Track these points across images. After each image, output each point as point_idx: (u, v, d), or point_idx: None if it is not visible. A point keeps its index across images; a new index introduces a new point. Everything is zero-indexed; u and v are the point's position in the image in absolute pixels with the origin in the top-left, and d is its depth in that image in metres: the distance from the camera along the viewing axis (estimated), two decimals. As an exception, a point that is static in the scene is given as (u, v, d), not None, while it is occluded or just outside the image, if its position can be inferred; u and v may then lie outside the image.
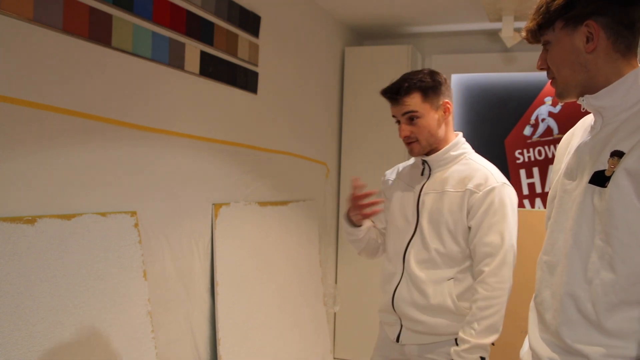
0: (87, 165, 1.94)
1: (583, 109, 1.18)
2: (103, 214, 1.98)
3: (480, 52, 4.34)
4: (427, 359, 1.81)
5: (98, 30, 1.95)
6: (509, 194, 1.75)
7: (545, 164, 4.05)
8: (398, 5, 3.83)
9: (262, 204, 3.03)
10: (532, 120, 4.10)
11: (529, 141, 4.11)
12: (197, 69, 2.50)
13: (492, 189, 1.71)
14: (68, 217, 1.84)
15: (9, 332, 1.61)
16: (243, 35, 2.86)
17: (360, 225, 1.94)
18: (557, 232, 1.16)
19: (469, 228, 1.73)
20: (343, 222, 1.98)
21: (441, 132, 1.82)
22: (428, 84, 1.79)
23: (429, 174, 1.84)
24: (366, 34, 4.56)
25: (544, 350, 1.14)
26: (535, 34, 1.21)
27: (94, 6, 1.93)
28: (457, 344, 1.74)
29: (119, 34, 2.04)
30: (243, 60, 2.86)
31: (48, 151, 1.79)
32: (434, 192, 1.79)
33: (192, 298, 2.48)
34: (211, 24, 2.59)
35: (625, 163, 1.02)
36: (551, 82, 1.22)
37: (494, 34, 4.18)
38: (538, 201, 4.07)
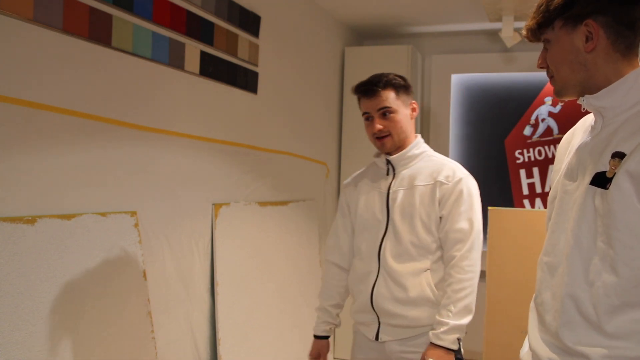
0: (87, 165, 1.94)
1: (583, 109, 1.18)
2: (103, 214, 1.98)
3: (480, 52, 4.34)
4: (408, 352, 1.84)
5: (98, 30, 1.95)
6: (474, 184, 1.87)
7: (545, 164, 4.05)
8: (398, 5, 3.83)
9: (262, 204, 3.03)
10: (532, 120, 4.10)
11: (529, 141, 4.11)
12: (197, 69, 2.50)
13: (460, 180, 1.82)
14: (68, 217, 1.84)
15: (9, 332, 1.61)
16: (243, 35, 2.86)
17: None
18: (558, 233, 1.15)
19: (440, 218, 1.82)
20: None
21: (409, 130, 1.90)
22: (400, 83, 1.88)
23: (394, 173, 1.90)
24: (366, 34, 4.56)
25: (543, 350, 1.14)
26: (535, 33, 1.20)
27: (94, 6, 1.93)
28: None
29: (119, 34, 2.04)
30: (243, 60, 2.86)
31: (48, 151, 1.79)
32: (403, 188, 1.86)
33: (192, 298, 2.48)
34: (211, 24, 2.59)
35: (627, 165, 1.02)
36: (550, 81, 1.22)
37: (494, 34, 4.18)
38: (538, 201, 4.07)
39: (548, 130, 4.05)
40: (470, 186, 1.83)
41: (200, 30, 2.51)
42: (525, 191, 4.11)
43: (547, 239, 1.20)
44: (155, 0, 2.21)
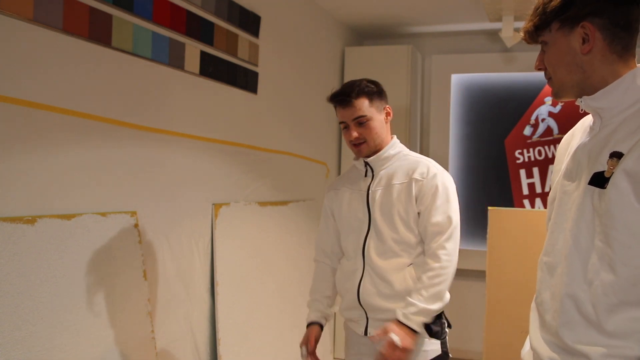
0: (87, 165, 1.94)
1: (582, 110, 1.18)
2: (103, 214, 1.98)
3: (480, 52, 4.34)
4: None
5: (98, 30, 1.95)
6: (449, 179, 1.91)
7: (545, 164, 4.06)
8: (398, 5, 3.84)
9: (262, 204, 3.03)
10: (532, 120, 4.10)
11: (529, 141, 4.11)
12: (197, 69, 2.50)
13: (435, 175, 1.87)
14: (68, 217, 1.84)
15: (9, 332, 1.61)
16: (243, 35, 2.86)
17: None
18: (557, 233, 1.16)
19: (419, 214, 1.88)
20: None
21: (384, 133, 1.97)
22: (372, 90, 1.93)
23: (372, 175, 1.97)
24: (366, 34, 4.56)
25: (544, 350, 1.14)
26: (533, 35, 1.21)
27: (94, 6, 1.93)
28: (424, 326, 1.84)
29: (119, 34, 2.04)
30: (243, 60, 2.86)
31: (48, 151, 1.79)
32: (381, 187, 1.93)
33: (192, 298, 2.48)
34: (211, 24, 2.59)
35: (624, 164, 1.02)
36: (548, 82, 1.23)
37: (494, 34, 4.18)
38: (538, 201, 4.07)
39: (548, 130, 4.06)
40: (445, 181, 1.88)
41: (200, 30, 2.52)
42: (525, 191, 4.11)
43: (547, 239, 1.21)
44: (155, 0, 2.21)
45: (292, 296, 3.20)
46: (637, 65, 1.12)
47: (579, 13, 1.10)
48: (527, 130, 4.11)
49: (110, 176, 2.04)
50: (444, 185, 1.87)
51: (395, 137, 2.01)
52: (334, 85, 4.09)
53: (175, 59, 2.35)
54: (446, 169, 1.97)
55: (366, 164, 1.97)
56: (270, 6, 3.12)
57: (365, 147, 1.92)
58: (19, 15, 1.66)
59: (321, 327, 2.07)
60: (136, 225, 2.12)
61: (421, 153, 2.06)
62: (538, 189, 4.08)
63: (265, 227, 3.04)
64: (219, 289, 2.60)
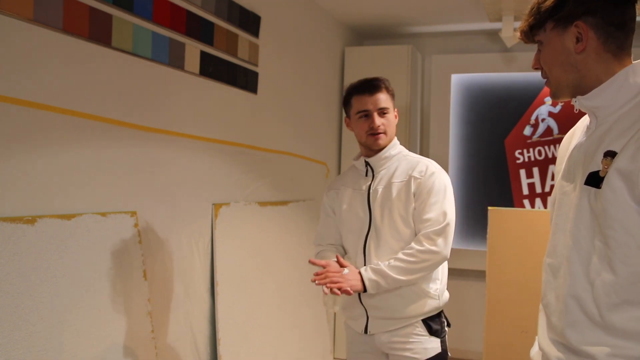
0: (87, 165, 1.94)
1: (576, 109, 1.18)
2: (103, 214, 1.98)
3: (480, 52, 4.34)
4: (397, 342, 1.91)
5: (98, 30, 1.95)
6: (447, 178, 1.95)
7: (545, 164, 4.05)
8: (398, 5, 3.83)
9: (262, 204, 3.03)
10: (532, 120, 4.10)
11: (529, 141, 4.11)
12: (197, 69, 2.50)
13: (433, 173, 1.91)
14: (68, 217, 1.84)
15: (9, 332, 1.61)
16: (243, 35, 2.86)
17: None
18: (558, 235, 1.16)
19: (414, 209, 1.90)
20: None
21: (395, 132, 2.02)
22: (392, 90, 2.01)
23: (373, 174, 1.99)
24: (366, 34, 4.56)
25: (551, 350, 1.15)
26: (528, 35, 1.22)
27: (94, 6, 1.93)
28: (424, 324, 1.89)
29: (119, 34, 2.04)
30: (243, 60, 2.86)
31: (48, 151, 1.79)
32: (381, 187, 1.95)
33: (192, 298, 2.48)
34: (211, 24, 2.59)
35: (617, 163, 1.03)
36: (545, 83, 1.23)
37: (494, 34, 4.18)
38: (538, 201, 4.07)
39: (548, 130, 4.06)
40: (442, 179, 1.91)
41: (200, 30, 2.52)
42: (525, 191, 4.11)
43: (549, 241, 1.21)
44: (155, 0, 2.21)
45: (292, 296, 3.20)
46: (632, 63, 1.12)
47: (572, 12, 1.11)
48: (527, 130, 4.11)
49: (110, 176, 2.04)
50: (441, 184, 1.90)
51: (395, 138, 2.04)
52: (334, 85, 4.10)
53: (175, 59, 2.35)
54: (446, 169, 1.99)
55: (366, 163, 1.99)
56: (270, 6, 3.12)
57: (384, 139, 1.95)
58: (19, 15, 1.66)
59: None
60: (136, 225, 2.12)
61: (421, 153, 2.07)
62: (538, 189, 4.08)
63: (265, 227, 3.04)
64: (219, 289, 2.60)
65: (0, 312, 1.59)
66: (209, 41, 2.57)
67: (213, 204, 2.64)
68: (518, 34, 1.25)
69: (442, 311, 1.96)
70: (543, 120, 4.07)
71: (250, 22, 2.92)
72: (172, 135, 2.37)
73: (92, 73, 1.95)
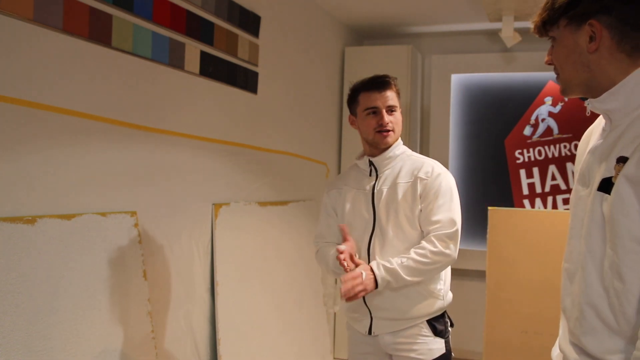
0: (87, 165, 1.94)
1: (588, 112, 1.16)
2: (103, 214, 1.98)
3: (480, 52, 4.33)
4: (401, 343, 1.90)
5: (98, 30, 1.95)
6: (452, 180, 1.95)
7: (545, 164, 4.05)
8: (398, 5, 3.83)
9: (262, 204, 3.03)
10: (532, 120, 4.10)
11: (529, 141, 4.11)
12: (197, 69, 2.50)
13: (439, 175, 1.90)
14: (68, 217, 1.84)
15: (9, 332, 1.61)
16: (243, 35, 2.86)
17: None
18: (574, 240, 1.14)
19: (420, 211, 1.89)
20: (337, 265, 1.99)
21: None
22: (398, 87, 2.00)
23: (377, 174, 1.97)
24: (366, 34, 4.56)
25: (571, 353, 1.14)
26: (541, 30, 1.18)
27: (94, 6, 1.93)
28: (429, 324, 1.89)
29: (119, 34, 2.04)
30: (243, 60, 2.86)
31: (48, 151, 1.79)
32: (386, 187, 1.94)
33: (192, 298, 2.48)
34: (211, 24, 2.59)
35: (625, 170, 1.01)
36: (556, 78, 1.20)
37: (494, 34, 4.18)
38: (538, 201, 4.07)
39: (548, 130, 4.05)
40: (449, 181, 1.91)
41: (200, 30, 2.51)
42: (525, 191, 4.11)
43: (567, 245, 1.19)
44: (155, 0, 2.21)
45: (292, 296, 3.20)
46: None
47: (587, 10, 1.08)
48: (527, 130, 4.11)
49: (110, 176, 2.04)
50: (447, 185, 1.89)
51: (399, 137, 2.03)
52: (334, 85, 4.10)
53: (175, 59, 2.35)
54: (446, 169, 1.99)
55: (370, 163, 1.98)
56: (270, 6, 3.12)
57: (392, 136, 1.95)
58: (19, 15, 1.66)
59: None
60: (136, 225, 2.12)
61: (421, 153, 2.06)
62: (538, 189, 4.08)
63: (265, 227, 3.03)
64: (219, 289, 2.60)
65: (0, 312, 1.59)
66: (209, 41, 2.57)
67: (213, 204, 2.64)
68: (531, 27, 1.21)
69: (445, 311, 1.95)
70: (543, 120, 4.07)
71: (250, 22, 2.92)
72: (172, 135, 2.37)
73: (92, 73, 1.95)
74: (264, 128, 3.10)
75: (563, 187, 3.97)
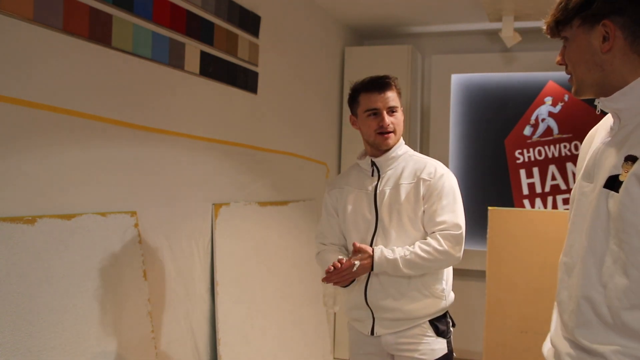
0: (87, 165, 1.94)
1: (598, 110, 1.16)
2: (103, 214, 1.98)
3: (480, 52, 4.33)
4: (403, 343, 1.90)
5: (98, 30, 1.95)
6: (455, 180, 1.96)
7: (545, 164, 4.05)
8: (398, 5, 3.83)
9: (262, 204, 3.03)
10: (532, 120, 4.10)
11: (529, 141, 4.11)
12: (197, 69, 2.50)
13: (442, 175, 1.91)
14: (68, 217, 1.84)
15: (9, 332, 1.61)
16: (243, 35, 2.86)
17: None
18: (575, 234, 1.16)
19: (424, 212, 1.90)
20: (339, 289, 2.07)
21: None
22: (399, 87, 1.99)
23: (379, 175, 1.97)
24: (366, 34, 4.56)
25: (563, 346, 1.16)
26: (554, 30, 1.19)
27: (94, 6, 1.93)
28: (431, 324, 1.89)
29: (119, 34, 2.04)
30: (243, 60, 2.86)
31: (48, 151, 1.79)
32: (389, 188, 1.93)
33: (192, 298, 2.48)
34: (211, 24, 2.59)
35: (635, 169, 1.02)
36: (569, 79, 1.21)
37: (494, 34, 4.18)
38: (538, 201, 4.07)
39: (548, 130, 4.05)
40: (451, 181, 1.92)
41: (200, 30, 2.52)
42: (525, 191, 4.11)
43: (566, 239, 1.21)
44: (155, 0, 2.21)
45: (292, 296, 3.20)
46: None
47: (601, 11, 1.08)
48: (527, 130, 4.11)
49: (110, 176, 2.04)
50: (450, 186, 1.90)
51: (401, 137, 2.02)
52: (334, 85, 4.10)
53: (175, 59, 2.35)
54: (448, 169, 1.99)
55: (373, 163, 1.97)
56: (270, 6, 3.12)
57: (393, 138, 1.94)
58: (19, 15, 1.66)
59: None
60: (136, 225, 2.12)
61: (421, 153, 2.06)
62: (538, 189, 4.08)
63: (265, 227, 3.03)
64: (219, 289, 2.60)
65: (0, 312, 1.59)
66: (209, 41, 2.57)
67: (213, 204, 2.64)
68: (544, 28, 1.22)
69: (447, 312, 1.95)
70: (543, 120, 4.07)
71: (250, 22, 2.92)
72: (172, 135, 2.37)
73: (92, 73, 1.95)
74: (264, 128, 3.10)
75: (563, 187, 3.97)
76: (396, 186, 1.92)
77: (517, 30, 3.74)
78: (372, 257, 1.84)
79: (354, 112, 2.01)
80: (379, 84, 1.93)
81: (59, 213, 1.82)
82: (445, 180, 1.89)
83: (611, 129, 1.15)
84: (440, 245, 1.82)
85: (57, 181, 1.82)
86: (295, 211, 3.38)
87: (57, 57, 1.81)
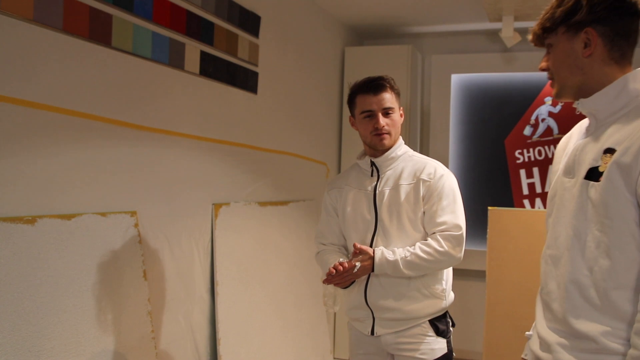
0: (87, 165, 1.94)
1: (578, 111, 1.28)
2: (103, 214, 1.98)
3: (480, 52, 4.34)
4: (403, 343, 1.90)
5: (98, 30, 1.95)
6: (455, 181, 1.96)
7: (545, 164, 4.05)
8: (398, 5, 3.83)
9: (262, 204, 3.03)
10: (532, 120, 4.10)
11: (529, 141, 4.11)
12: (197, 69, 2.50)
13: (442, 176, 1.91)
14: (68, 217, 1.84)
15: (9, 332, 1.61)
16: (243, 35, 2.86)
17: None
18: (559, 227, 1.25)
19: (424, 213, 1.90)
20: (339, 290, 2.10)
21: (399, 132, 2.00)
22: (398, 88, 1.99)
23: (378, 175, 1.97)
24: (366, 34, 4.56)
25: (552, 337, 1.23)
26: (540, 37, 1.31)
27: (94, 6, 1.93)
28: (431, 324, 1.89)
29: (119, 34, 2.04)
30: (243, 60, 2.86)
31: (48, 151, 1.79)
32: (388, 188, 1.94)
33: (192, 298, 2.48)
34: (211, 24, 2.59)
35: (615, 158, 1.13)
36: (550, 83, 1.33)
37: (494, 34, 4.18)
38: (538, 201, 4.07)
39: (548, 130, 4.05)
40: (451, 182, 1.92)
41: (200, 30, 2.52)
42: (525, 191, 4.11)
43: (550, 233, 1.30)
44: (155, 0, 2.21)
45: (292, 296, 3.20)
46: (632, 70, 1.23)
47: (584, 20, 1.21)
48: (527, 130, 4.11)
49: (110, 176, 2.04)
50: (450, 186, 1.90)
51: (400, 137, 2.02)
52: (334, 85, 4.10)
53: (175, 59, 2.35)
54: (448, 169, 2.00)
55: (372, 163, 1.97)
56: (270, 6, 3.12)
57: (388, 139, 1.94)
58: (19, 15, 1.66)
59: None
60: (136, 225, 2.12)
61: (421, 153, 2.06)
62: (538, 189, 4.07)
63: (265, 227, 3.03)
64: (219, 289, 2.60)
65: (0, 312, 1.59)
66: (209, 41, 2.57)
67: (213, 204, 2.64)
68: (529, 36, 1.34)
69: (447, 312, 1.96)
70: (543, 120, 4.07)
71: (250, 22, 2.92)
72: (172, 135, 2.37)
73: (92, 73, 1.95)
74: (263, 128, 3.10)
75: (563, 187, 3.97)
76: (396, 187, 1.92)
77: (517, 30, 3.74)
78: (372, 258, 1.84)
79: (352, 113, 2.02)
80: (374, 85, 1.93)
81: (59, 213, 1.82)
82: (445, 180, 1.89)
83: (587, 130, 1.28)
84: (441, 246, 1.82)
85: (57, 181, 1.82)
86: (296, 211, 3.38)
87: (57, 57, 1.81)
